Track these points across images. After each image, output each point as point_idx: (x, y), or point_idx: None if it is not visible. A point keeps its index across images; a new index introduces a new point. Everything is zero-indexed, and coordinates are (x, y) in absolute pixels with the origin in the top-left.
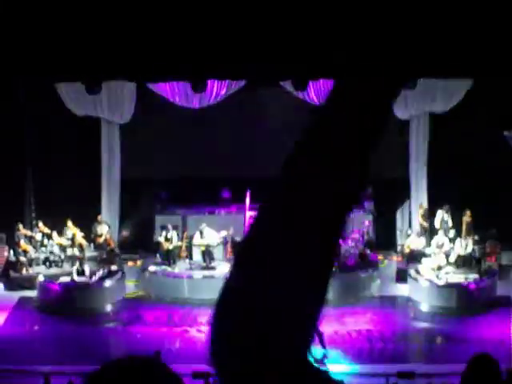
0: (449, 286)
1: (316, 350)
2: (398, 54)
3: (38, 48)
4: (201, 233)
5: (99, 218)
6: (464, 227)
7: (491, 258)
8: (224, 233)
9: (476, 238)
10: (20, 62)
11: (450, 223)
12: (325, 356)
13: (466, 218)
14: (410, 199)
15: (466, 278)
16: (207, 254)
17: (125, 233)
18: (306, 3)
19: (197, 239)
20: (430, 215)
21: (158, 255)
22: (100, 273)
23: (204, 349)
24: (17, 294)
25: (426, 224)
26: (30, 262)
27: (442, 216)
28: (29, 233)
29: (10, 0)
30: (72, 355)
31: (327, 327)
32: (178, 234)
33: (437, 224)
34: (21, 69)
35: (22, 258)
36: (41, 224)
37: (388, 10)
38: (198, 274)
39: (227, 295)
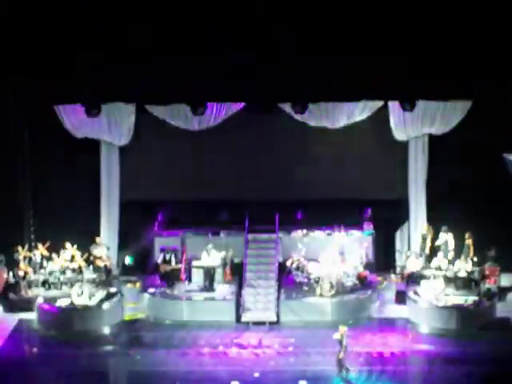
0: (448, 308)
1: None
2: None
3: (39, 71)
4: (207, 253)
5: (98, 239)
6: (468, 250)
7: (490, 280)
8: (223, 254)
9: (475, 259)
10: (20, 85)
11: (451, 245)
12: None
13: (468, 240)
14: (409, 220)
15: (465, 300)
16: (208, 275)
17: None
18: (302, 31)
19: (202, 260)
20: (429, 237)
21: (157, 277)
22: (99, 295)
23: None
24: (16, 316)
25: (426, 245)
26: (30, 284)
27: (443, 238)
28: (28, 254)
29: (12, 23)
30: (71, 378)
31: (326, 349)
32: (176, 256)
33: (438, 246)
34: (21, 92)
35: (22, 280)
36: (40, 246)
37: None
38: (197, 296)
39: None
